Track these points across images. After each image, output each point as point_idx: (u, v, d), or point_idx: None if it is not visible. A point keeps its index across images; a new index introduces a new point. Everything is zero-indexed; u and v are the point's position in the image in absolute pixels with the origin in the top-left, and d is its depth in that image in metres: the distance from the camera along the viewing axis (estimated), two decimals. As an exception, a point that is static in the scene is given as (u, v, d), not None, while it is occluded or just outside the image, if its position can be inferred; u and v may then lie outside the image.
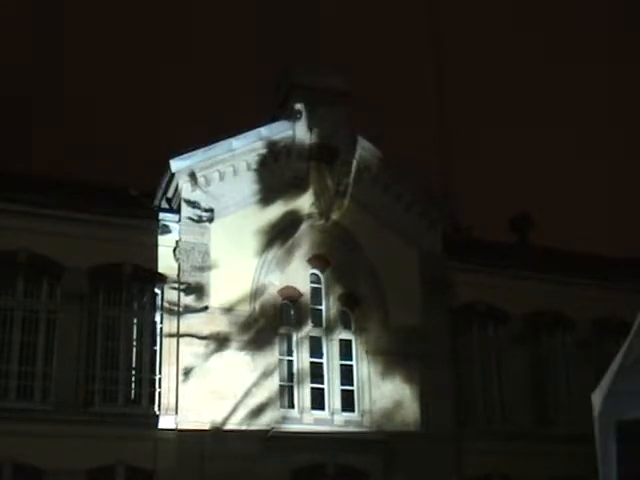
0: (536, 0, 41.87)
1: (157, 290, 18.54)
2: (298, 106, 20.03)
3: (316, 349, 19.40)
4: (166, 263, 18.45)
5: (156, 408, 17.68)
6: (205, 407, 17.57)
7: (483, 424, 20.60)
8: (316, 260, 19.97)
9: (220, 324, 18.37)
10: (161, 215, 18.89)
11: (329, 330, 19.58)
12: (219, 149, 19.35)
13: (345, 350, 19.65)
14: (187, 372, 17.69)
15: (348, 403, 19.26)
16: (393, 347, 19.69)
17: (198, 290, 18.35)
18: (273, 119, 20.90)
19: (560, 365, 22.11)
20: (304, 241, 19.88)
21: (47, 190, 18.52)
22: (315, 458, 18.06)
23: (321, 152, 20.20)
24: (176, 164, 18.92)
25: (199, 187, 19.04)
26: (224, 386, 17.87)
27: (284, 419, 18.43)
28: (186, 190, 19.02)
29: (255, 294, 18.89)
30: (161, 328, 18.25)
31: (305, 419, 18.66)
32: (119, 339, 17.98)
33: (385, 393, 19.39)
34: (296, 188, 19.99)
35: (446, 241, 21.32)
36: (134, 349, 18.13)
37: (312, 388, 19.01)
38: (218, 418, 17.69)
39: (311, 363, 19.18)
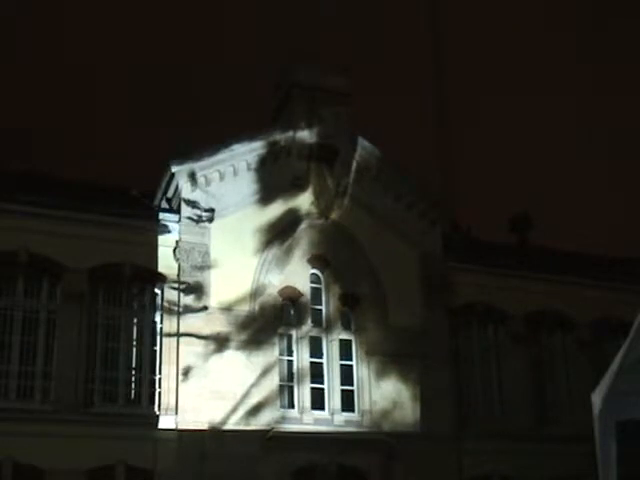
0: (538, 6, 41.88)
1: (157, 290, 18.54)
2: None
3: (316, 349, 19.39)
4: (166, 263, 18.45)
5: (156, 408, 17.68)
6: (205, 407, 17.56)
7: (483, 424, 20.57)
8: (316, 260, 19.96)
9: (220, 324, 18.36)
10: (161, 215, 18.89)
11: (329, 330, 19.58)
12: (219, 149, 19.35)
13: (345, 350, 19.65)
14: (187, 372, 17.68)
15: (348, 403, 19.25)
16: (393, 347, 19.69)
17: (198, 290, 18.35)
18: (273, 119, 20.91)
19: (560, 365, 22.11)
20: (304, 241, 19.88)
21: (47, 190, 18.50)
22: (315, 458, 18.04)
23: (321, 152, 20.18)
24: (176, 164, 18.92)
25: (199, 187, 19.03)
26: (224, 386, 17.86)
27: (284, 419, 18.42)
28: (186, 190, 19.01)
29: (255, 294, 18.88)
30: (161, 328, 18.25)
31: (305, 419, 18.66)
32: (119, 339, 17.99)
33: (385, 393, 19.38)
34: (296, 188, 19.99)
35: (446, 241, 21.31)
36: (134, 349, 18.14)
37: (312, 388, 19.00)
38: (218, 418, 17.68)
39: (311, 363, 19.18)
